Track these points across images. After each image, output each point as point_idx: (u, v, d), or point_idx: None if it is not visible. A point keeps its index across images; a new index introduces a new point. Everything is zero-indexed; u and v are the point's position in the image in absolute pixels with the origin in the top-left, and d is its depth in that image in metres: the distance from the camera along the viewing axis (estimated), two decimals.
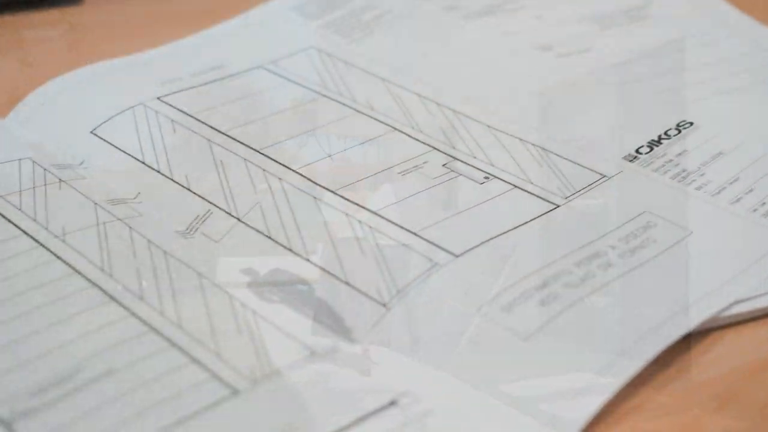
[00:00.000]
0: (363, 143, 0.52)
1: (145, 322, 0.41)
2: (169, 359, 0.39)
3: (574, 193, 0.48)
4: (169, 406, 0.37)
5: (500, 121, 0.54)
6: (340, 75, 0.58)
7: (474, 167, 0.50)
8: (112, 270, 0.43)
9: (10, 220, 0.46)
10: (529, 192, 0.48)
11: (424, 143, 0.52)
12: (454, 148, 0.51)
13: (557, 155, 0.51)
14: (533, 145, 0.52)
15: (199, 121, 0.53)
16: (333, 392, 0.38)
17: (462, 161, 0.50)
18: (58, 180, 0.49)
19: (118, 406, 0.37)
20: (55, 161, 0.51)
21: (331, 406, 0.37)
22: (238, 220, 0.46)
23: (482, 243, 0.44)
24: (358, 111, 0.54)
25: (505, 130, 0.53)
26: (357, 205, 0.47)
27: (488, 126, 0.53)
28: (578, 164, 0.50)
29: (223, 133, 0.52)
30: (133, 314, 0.41)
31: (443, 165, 0.50)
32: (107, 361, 0.39)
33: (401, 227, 0.45)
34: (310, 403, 0.38)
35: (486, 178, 0.49)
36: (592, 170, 0.50)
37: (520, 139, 0.52)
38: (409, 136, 0.52)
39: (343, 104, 0.55)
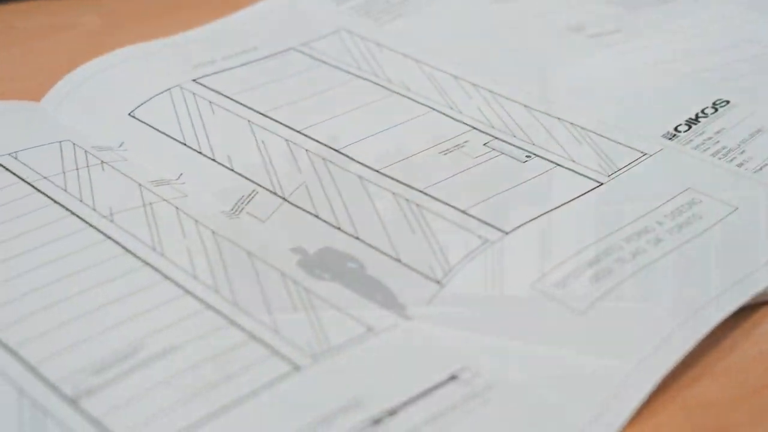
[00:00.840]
0: (402, 123, 0.52)
1: (201, 300, 0.41)
2: (228, 336, 0.39)
3: (616, 171, 0.48)
4: (233, 382, 0.37)
5: (536, 100, 0.54)
6: (373, 56, 0.58)
7: (515, 146, 0.50)
8: (164, 249, 0.43)
9: (56, 201, 0.46)
10: (571, 170, 0.48)
11: (463, 123, 0.52)
12: (493, 127, 0.52)
13: (596, 134, 0.51)
14: (571, 123, 0.52)
15: (237, 102, 0.53)
16: (393, 368, 0.38)
17: (502, 140, 0.50)
18: (100, 161, 0.49)
19: (180, 382, 0.37)
20: (94, 143, 0.51)
21: (392, 382, 0.38)
22: (284, 199, 0.47)
23: (531, 220, 0.45)
24: (394, 92, 0.55)
25: (541, 110, 0.53)
26: (403, 183, 0.47)
27: (525, 105, 0.53)
28: (618, 142, 0.50)
29: (262, 114, 0.52)
30: (189, 292, 0.41)
31: (484, 144, 0.50)
32: (167, 338, 0.39)
33: (449, 205, 0.46)
34: (371, 379, 0.38)
35: (528, 156, 0.49)
36: (632, 148, 0.50)
37: (558, 119, 0.52)
38: (447, 116, 0.53)
39: (379, 85, 0.55)
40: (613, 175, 0.48)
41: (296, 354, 0.38)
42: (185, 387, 0.37)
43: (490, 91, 0.55)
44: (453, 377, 0.38)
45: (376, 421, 0.36)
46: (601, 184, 0.47)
